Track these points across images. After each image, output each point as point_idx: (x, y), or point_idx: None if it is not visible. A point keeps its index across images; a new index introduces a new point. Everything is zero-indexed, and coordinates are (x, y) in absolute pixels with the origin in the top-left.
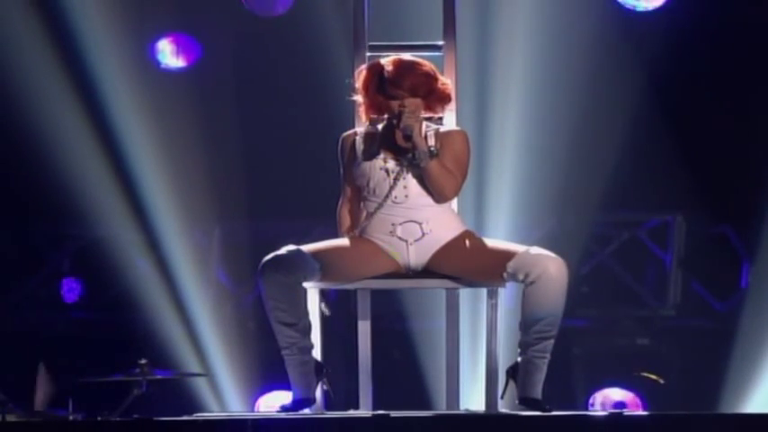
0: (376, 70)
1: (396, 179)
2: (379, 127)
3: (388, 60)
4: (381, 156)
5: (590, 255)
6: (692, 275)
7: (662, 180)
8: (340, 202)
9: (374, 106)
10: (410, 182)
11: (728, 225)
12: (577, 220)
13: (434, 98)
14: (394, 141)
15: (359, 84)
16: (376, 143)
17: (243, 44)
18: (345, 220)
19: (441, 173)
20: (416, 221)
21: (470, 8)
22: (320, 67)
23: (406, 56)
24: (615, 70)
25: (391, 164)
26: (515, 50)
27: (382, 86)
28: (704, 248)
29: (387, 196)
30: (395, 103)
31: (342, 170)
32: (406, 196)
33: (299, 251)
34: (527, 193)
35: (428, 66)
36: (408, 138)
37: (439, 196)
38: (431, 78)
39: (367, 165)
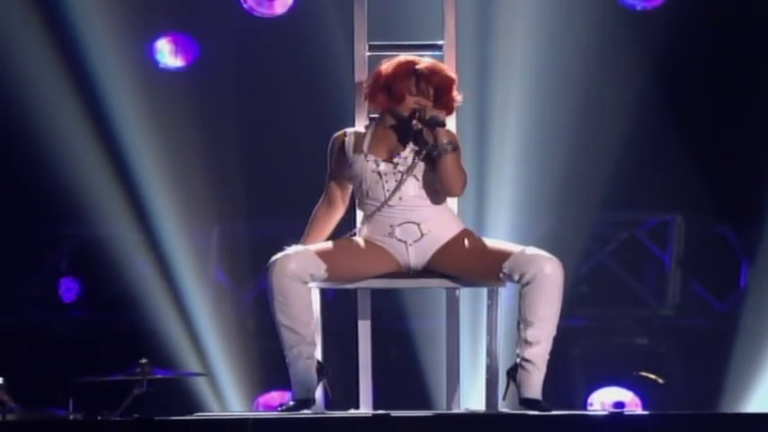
0: (408, 62)
1: (388, 182)
2: (371, 130)
3: (418, 58)
4: (372, 158)
5: (589, 254)
6: (691, 275)
7: (661, 180)
8: (320, 201)
9: (386, 96)
10: (404, 184)
11: (728, 225)
12: (577, 219)
13: (441, 106)
14: (385, 142)
15: (385, 67)
16: (365, 144)
17: (242, 44)
18: (320, 221)
19: (457, 167)
20: (414, 222)
21: (470, 8)
22: (319, 66)
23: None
24: (615, 70)
25: (383, 166)
26: (515, 50)
27: (407, 79)
28: (703, 248)
29: (384, 203)
30: (412, 99)
31: (328, 173)
32: (400, 198)
33: (306, 251)
34: (527, 192)
35: (453, 76)
36: (442, 124)
37: (450, 190)
38: (451, 88)
39: (359, 167)
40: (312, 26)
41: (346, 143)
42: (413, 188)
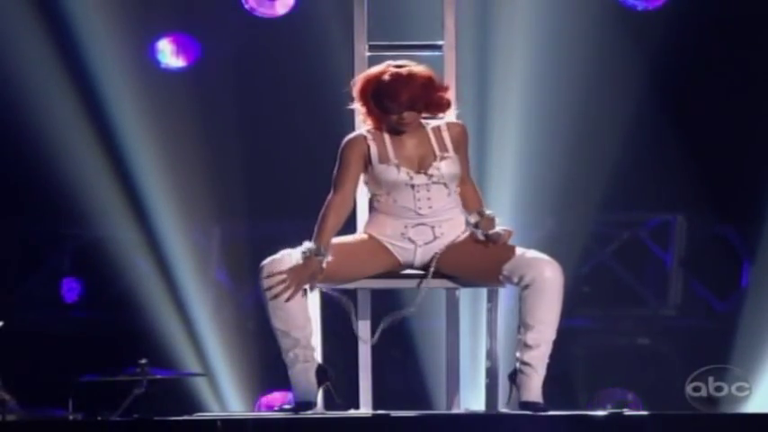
0: (371, 83)
1: (419, 191)
2: (387, 136)
3: (383, 71)
4: (404, 170)
5: (591, 254)
6: (692, 275)
7: (663, 180)
8: (332, 198)
9: (373, 116)
10: (434, 194)
11: (729, 224)
12: (578, 219)
13: (433, 107)
14: (413, 151)
15: (355, 93)
16: (391, 153)
17: (243, 44)
18: (336, 214)
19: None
20: (429, 225)
21: (470, 8)
22: (320, 66)
23: (403, 64)
24: (615, 70)
25: (416, 178)
26: (515, 50)
27: (379, 100)
28: (705, 248)
29: (415, 212)
30: (394, 117)
31: (343, 169)
32: (430, 207)
33: (297, 253)
34: (527, 193)
35: (424, 75)
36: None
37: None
38: (428, 90)
39: (390, 177)
40: (313, 26)
41: (371, 151)
42: (442, 196)
